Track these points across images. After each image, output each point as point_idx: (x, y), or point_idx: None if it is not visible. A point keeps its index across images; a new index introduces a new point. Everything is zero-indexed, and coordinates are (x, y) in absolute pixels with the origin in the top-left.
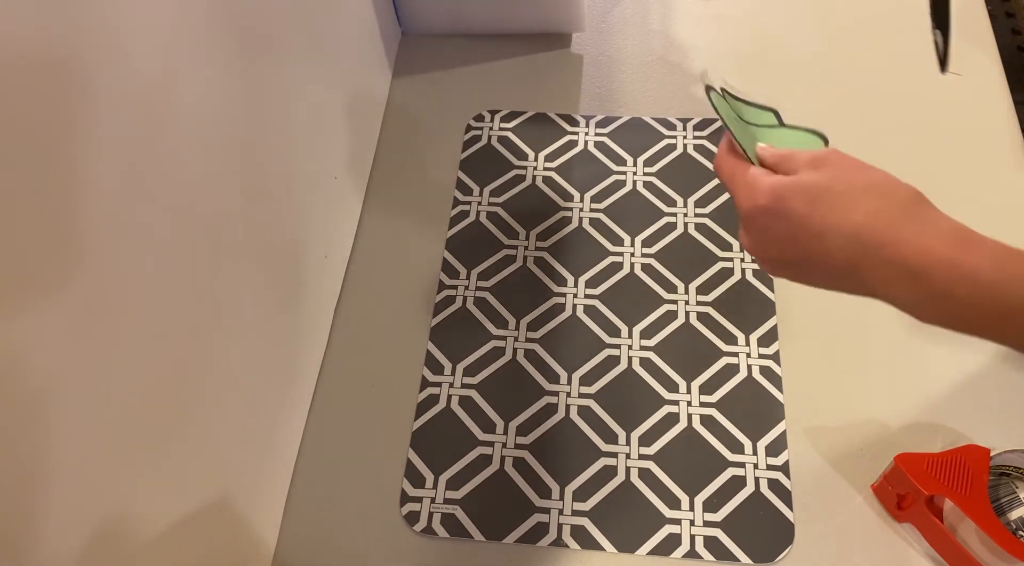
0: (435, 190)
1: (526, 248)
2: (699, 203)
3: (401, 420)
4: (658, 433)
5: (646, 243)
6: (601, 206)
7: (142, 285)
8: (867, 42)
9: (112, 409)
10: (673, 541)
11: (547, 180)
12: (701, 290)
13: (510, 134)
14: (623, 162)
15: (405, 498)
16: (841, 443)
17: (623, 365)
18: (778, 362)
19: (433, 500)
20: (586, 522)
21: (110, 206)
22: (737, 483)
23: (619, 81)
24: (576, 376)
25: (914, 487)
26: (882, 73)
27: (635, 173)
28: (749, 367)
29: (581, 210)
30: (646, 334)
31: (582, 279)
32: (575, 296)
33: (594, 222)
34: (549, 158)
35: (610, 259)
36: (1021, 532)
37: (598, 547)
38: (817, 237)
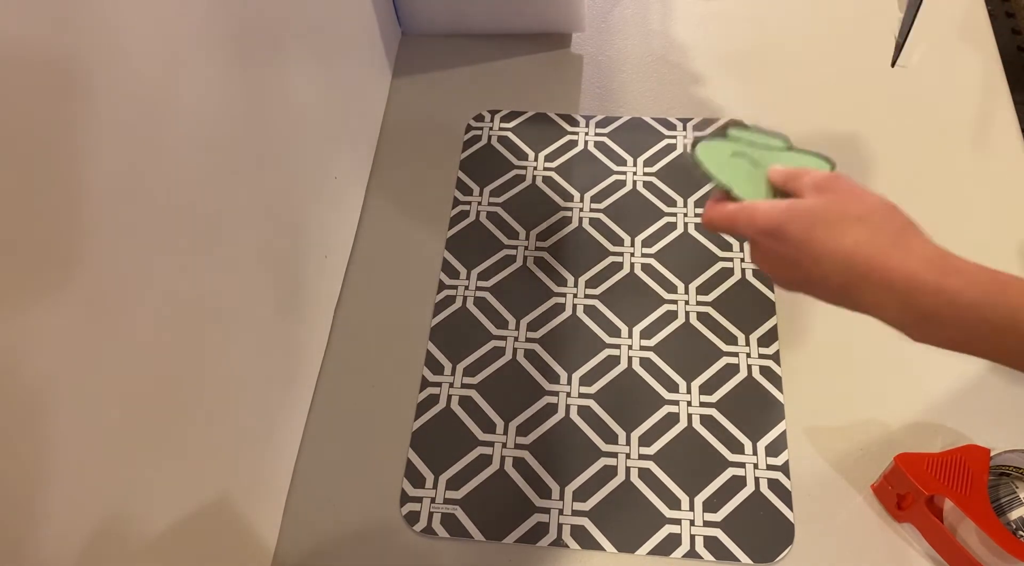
0: (435, 190)
1: (526, 248)
2: (699, 203)
3: (401, 420)
4: (658, 433)
5: (646, 243)
6: (601, 206)
7: (142, 285)
8: (867, 41)
9: (112, 409)
10: (673, 541)
11: (547, 180)
12: (701, 290)
13: (510, 134)
14: (623, 162)
15: (405, 498)
16: (841, 443)
17: (623, 365)
18: (778, 362)
19: (433, 500)
20: (586, 522)
21: (110, 206)
22: (737, 483)
23: (619, 81)
24: (576, 376)
25: (914, 487)
26: (882, 72)
27: (635, 173)
28: (749, 367)
29: (581, 210)
30: (646, 334)
31: (582, 279)
32: (575, 296)
33: (594, 222)
34: (549, 158)
35: (610, 259)
36: (1021, 532)
37: (598, 547)
38: (815, 261)
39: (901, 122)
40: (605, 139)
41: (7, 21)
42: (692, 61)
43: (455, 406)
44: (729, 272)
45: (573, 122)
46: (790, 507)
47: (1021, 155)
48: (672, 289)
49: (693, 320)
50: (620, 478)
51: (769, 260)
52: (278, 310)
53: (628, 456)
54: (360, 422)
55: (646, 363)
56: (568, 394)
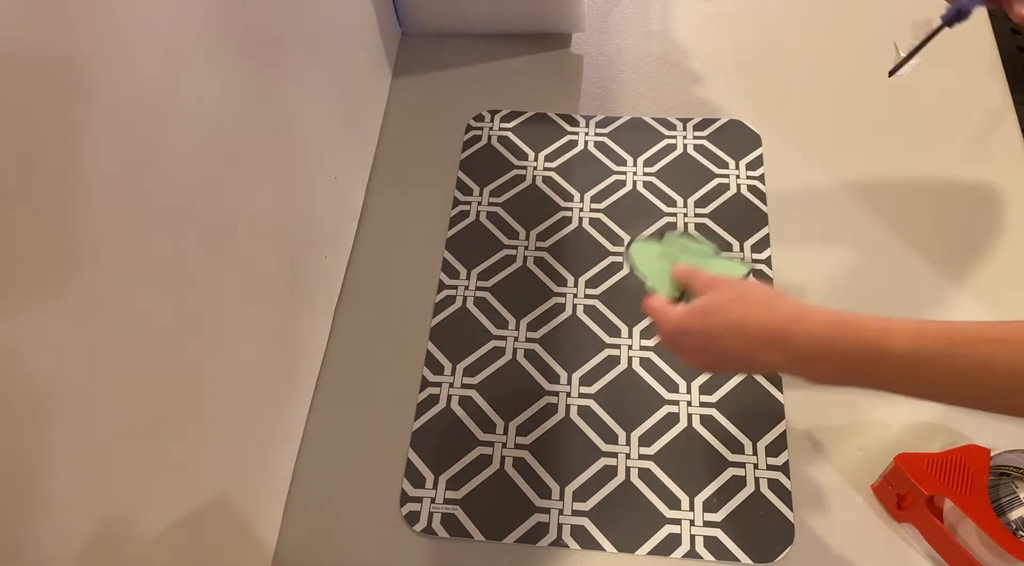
0: (435, 190)
1: (526, 248)
2: (699, 203)
3: (401, 420)
4: (658, 433)
5: None
6: (601, 206)
7: (142, 285)
8: (867, 41)
9: (112, 409)
10: (673, 541)
11: (547, 180)
12: None
13: (510, 134)
14: (623, 162)
15: (405, 498)
16: (841, 443)
17: (623, 365)
18: None
19: (433, 500)
20: (586, 522)
21: (110, 206)
22: (737, 483)
23: (619, 81)
24: (576, 376)
25: (914, 487)
26: (882, 72)
27: (635, 173)
28: None
29: (581, 210)
30: (646, 333)
31: (582, 279)
32: (575, 296)
33: (594, 222)
34: (549, 158)
35: (610, 259)
36: (1021, 532)
37: (598, 547)
38: (716, 340)
39: (901, 122)
40: (605, 139)
41: (8, 21)
42: (692, 61)
43: (455, 406)
44: None
45: (573, 122)
46: (790, 507)
47: (1021, 155)
48: None
49: None
50: (620, 478)
51: (685, 352)
52: (278, 310)
53: (628, 456)
54: (360, 422)
55: (646, 363)
56: (568, 394)
